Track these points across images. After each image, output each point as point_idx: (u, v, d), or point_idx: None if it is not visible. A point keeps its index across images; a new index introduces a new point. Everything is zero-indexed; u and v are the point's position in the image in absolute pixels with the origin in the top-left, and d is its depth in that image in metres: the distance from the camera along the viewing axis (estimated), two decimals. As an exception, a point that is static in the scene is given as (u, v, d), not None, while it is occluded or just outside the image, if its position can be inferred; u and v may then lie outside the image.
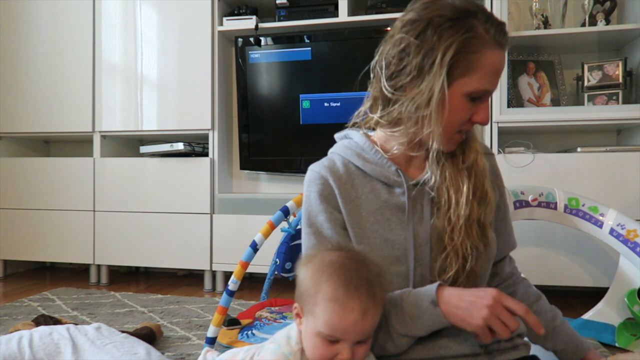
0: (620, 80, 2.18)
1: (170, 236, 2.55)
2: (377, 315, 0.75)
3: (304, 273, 0.77)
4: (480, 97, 0.84)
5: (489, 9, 2.21)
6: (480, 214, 0.86)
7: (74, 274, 2.94)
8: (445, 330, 0.83)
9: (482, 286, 0.89)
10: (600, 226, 1.73)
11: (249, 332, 1.70)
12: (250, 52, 2.53)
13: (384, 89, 0.87)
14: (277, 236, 1.51)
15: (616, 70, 2.19)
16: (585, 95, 2.23)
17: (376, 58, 0.89)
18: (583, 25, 2.26)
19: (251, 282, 2.65)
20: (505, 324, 0.75)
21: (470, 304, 0.76)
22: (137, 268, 3.04)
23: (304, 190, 0.94)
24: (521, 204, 1.76)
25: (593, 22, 2.24)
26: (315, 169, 0.93)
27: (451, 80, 0.81)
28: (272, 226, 1.44)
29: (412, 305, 0.80)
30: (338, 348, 0.73)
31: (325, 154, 0.99)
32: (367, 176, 0.91)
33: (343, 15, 2.41)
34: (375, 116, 0.91)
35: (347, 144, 0.95)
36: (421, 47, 0.81)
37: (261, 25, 2.52)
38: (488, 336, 0.75)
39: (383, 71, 0.87)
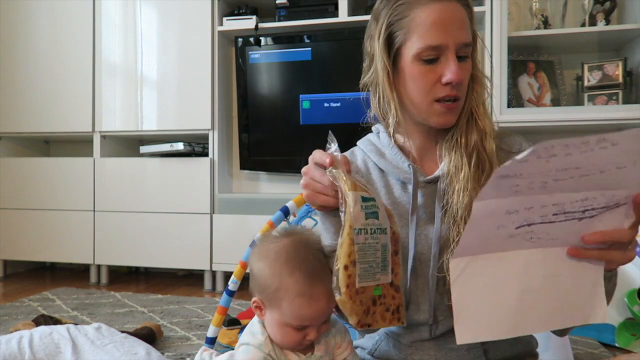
0: (620, 80, 2.18)
1: (170, 236, 2.54)
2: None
3: (261, 268, 0.77)
4: (437, 57, 0.79)
5: (489, 9, 2.23)
6: None
7: (74, 274, 2.93)
8: (449, 337, 0.84)
9: None
10: (600, 226, 1.73)
11: (249, 332, 1.70)
12: (250, 52, 2.53)
13: (361, 89, 0.90)
14: (277, 236, 1.50)
15: (616, 70, 2.19)
16: (585, 95, 2.23)
17: None
18: (583, 25, 2.26)
19: (251, 282, 2.65)
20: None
21: None
22: (137, 268, 3.04)
23: None
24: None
25: (593, 22, 2.24)
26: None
27: (397, 52, 0.82)
28: (272, 226, 1.44)
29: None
30: (306, 330, 0.77)
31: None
32: (383, 172, 0.90)
33: (343, 15, 2.41)
34: (371, 115, 0.92)
35: (372, 138, 0.94)
36: (367, 39, 0.86)
37: (261, 25, 2.52)
38: None
39: (361, 77, 0.90)
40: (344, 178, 0.73)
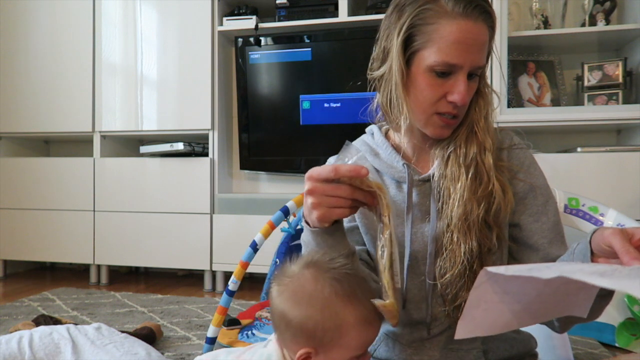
0: (620, 80, 2.17)
1: (170, 236, 2.54)
2: None
3: (309, 315, 0.70)
4: (449, 72, 0.78)
5: (489, 9, 2.23)
6: (482, 213, 0.79)
7: (74, 274, 2.94)
8: (447, 335, 0.84)
9: None
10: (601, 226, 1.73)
11: (249, 332, 1.70)
12: (250, 52, 2.53)
13: (368, 82, 0.88)
14: (277, 236, 1.51)
15: (616, 70, 2.19)
16: (585, 95, 2.23)
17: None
18: (583, 25, 2.26)
19: (251, 282, 2.65)
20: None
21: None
22: (137, 268, 3.04)
23: None
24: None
25: (593, 22, 2.24)
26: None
27: (412, 55, 0.80)
28: (272, 226, 1.44)
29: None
30: (362, 357, 0.73)
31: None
32: (378, 172, 0.90)
33: (343, 15, 2.41)
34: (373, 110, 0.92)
35: (366, 139, 0.95)
36: (385, 29, 0.83)
37: (261, 25, 2.52)
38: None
39: (369, 65, 0.88)
40: (378, 182, 0.71)
